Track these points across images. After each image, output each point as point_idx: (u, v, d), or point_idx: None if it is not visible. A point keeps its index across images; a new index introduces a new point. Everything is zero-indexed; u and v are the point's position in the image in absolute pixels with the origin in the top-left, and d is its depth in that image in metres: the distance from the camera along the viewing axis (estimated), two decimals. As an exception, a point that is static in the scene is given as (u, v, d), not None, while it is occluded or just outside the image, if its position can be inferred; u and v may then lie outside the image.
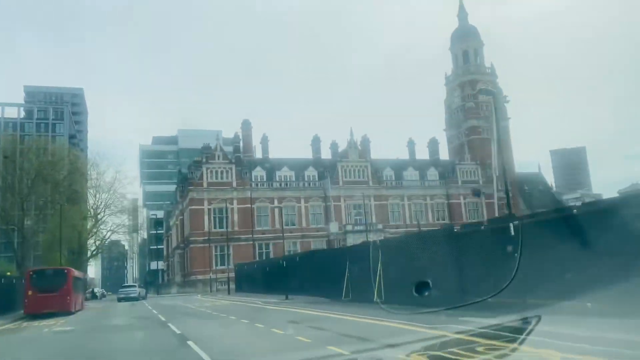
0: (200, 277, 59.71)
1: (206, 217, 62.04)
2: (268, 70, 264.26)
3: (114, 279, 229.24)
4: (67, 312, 26.76)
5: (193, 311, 24.08)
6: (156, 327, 16.20)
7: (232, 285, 58.52)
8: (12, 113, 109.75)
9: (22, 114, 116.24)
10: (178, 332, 13.84)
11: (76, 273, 30.91)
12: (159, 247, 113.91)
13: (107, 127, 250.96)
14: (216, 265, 60.66)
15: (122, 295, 46.09)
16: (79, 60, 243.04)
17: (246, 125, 70.94)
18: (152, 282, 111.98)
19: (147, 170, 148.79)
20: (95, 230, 60.51)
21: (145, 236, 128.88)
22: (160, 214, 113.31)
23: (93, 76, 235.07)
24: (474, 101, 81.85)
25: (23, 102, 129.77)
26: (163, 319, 18.95)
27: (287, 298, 25.31)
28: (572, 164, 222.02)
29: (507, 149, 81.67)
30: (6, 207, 49.57)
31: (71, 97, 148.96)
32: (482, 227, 16.42)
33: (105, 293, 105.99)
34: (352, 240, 61.21)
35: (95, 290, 67.19)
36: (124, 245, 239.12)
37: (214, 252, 61.40)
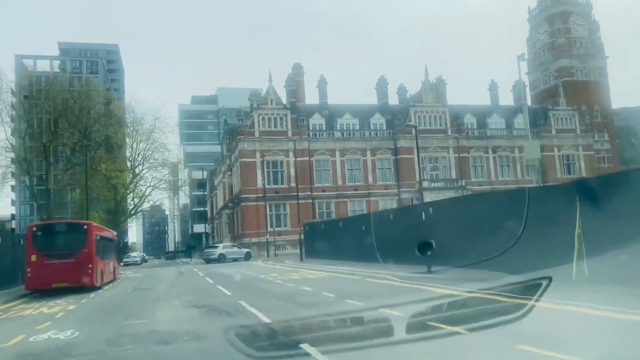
0: (254, 239, 51.16)
1: (258, 172, 53.02)
2: (317, 12, 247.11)
3: (155, 244, 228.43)
4: (88, 288, 18.05)
5: (289, 292, 14.26)
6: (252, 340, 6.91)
7: (290, 249, 49.93)
8: (44, 67, 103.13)
9: (56, 69, 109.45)
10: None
11: (103, 231, 22.17)
12: (202, 209, 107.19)
13: (144, 88, 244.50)
14: (270, 226, 51.96)
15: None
16: (113, 18, 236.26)
17: (297, 70, 60.17)
18: (195, 246, 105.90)
19: (186, 130, 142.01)
20: (133, 186, 52.50)
21: (187, 199, 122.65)
22: (201, 174, 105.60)
23: (128, 35, 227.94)
24: (566, 36, 69.09)
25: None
26: (252, 309, 9.80)
27: (429, 271, 15.61)
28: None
29: (605, 93, 69.16)
30: (29, 158, 41.60)
31: (106, 54, 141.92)
32: None
33: (147, 258, 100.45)
34: (429, 199, 51.25)
35: (135, 254, 59.92)
36: (164, 211, 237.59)
37: (268, 212, 52.60)
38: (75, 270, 17.80)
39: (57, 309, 13.02)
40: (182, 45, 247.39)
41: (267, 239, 47.38)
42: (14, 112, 42.56)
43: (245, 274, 23.53)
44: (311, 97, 59.78)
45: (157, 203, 53.84)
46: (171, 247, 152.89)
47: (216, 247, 44.78)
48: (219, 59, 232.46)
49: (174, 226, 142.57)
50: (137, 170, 52.74)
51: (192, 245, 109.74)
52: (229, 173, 61.30)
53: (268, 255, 46.73)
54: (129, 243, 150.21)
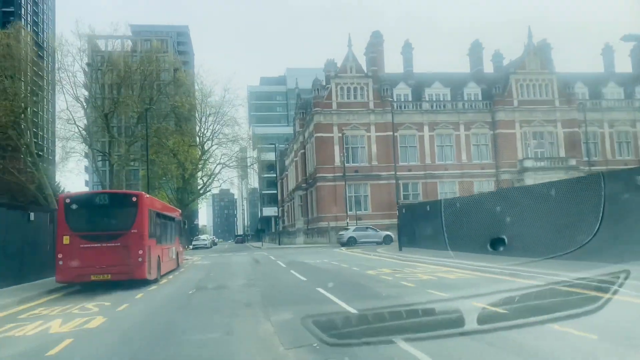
0: (332, 223, 45.78)
1: (336, 148, 47.39)
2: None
3: (224, 227, 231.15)
4: (139, 281, 13.12)
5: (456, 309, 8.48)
6: None
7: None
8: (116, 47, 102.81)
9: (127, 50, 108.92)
10: None
11: (160, 206, 17.23)
12: (271, 191, 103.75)
13: (214, 70, 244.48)
14: (349, 209, 46.40)
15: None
16: (183, 0, 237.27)
17: (377, 39, 53.13)
18: (264, 230, 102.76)
19: (255, 113, 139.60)
20: (201, 163, 48.55)
21: (256, 183, 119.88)
22: (270, 156, 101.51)
23: (198, 18, 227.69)
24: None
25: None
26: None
27: None
28: None
29: None
30: (91, 129, 38.21)
31: (176, 36, 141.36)
32: None
33: (216, 241, 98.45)
34: (532, 180, 43.69)
35: (204, 237, 56.47)
36: (233, 194, 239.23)
37: (347, 193, 47.01)
38: (119, 257, 12.95)
39: (72, 325, 7.92)
40: (251, 25, 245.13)
41: (347, 222, 41.78)
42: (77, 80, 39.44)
43: (340, 267, 18.01)
44: (392, 68, 53.21)
45: (226, 181, 49.42)
46: (240, 231, 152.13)
47: (347, 229, 38.91)
48: (289, 39, 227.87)
49: (243, 209, 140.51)
50: (205, 147, 48.71)
51: (262, 229, 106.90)
52: (302, 151, 56.18)
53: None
54: (200, 226, 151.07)
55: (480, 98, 50.98)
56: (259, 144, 59.84)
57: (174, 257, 19.49)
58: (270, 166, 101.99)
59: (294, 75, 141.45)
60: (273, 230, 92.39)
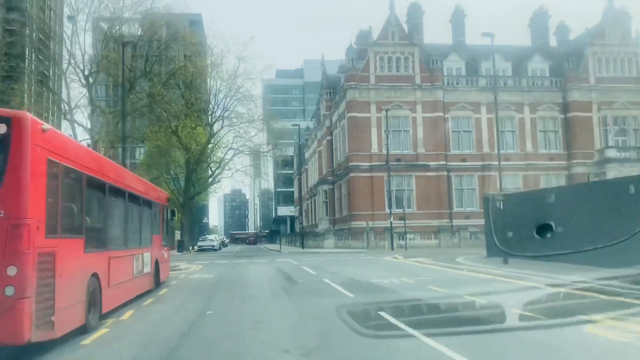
0: (364, 223, 37.09)
1: (373, 131, 38.71)
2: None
3: (235, 228, 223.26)
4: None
5: None
6: None
7: (420, 239, 35.31)
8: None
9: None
10: None
11: (86, 155, 8.00)
12: (287, 189, 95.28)
13: (225, 34, 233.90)
14: (389, 206, 37.70)
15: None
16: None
17: (415, 12, 43.98)
18: (278, 231, 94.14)
19: (270, 107, 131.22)
20: (210, 148, 40.13)
21: (269, 183, 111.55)
22: (287, 152, 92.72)
23: (212, 6, 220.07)
24: None
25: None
26: None
27: None
28: None
29: None
30: (69, 96, 29.89)
31: (189, 24, 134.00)
32: None
33: (227, 242, 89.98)
34: (614, 173, 34.94)
35: (212, 237, 47.97)
36: (245, 194, 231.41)
37: (386, 187, 38.29)
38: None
39: None
40: (267, 14, 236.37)
41: (391, 222, 32.97)
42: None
43: (424, 287, 9.53)
44: (434, 41, 44.07)
45: (239, 171, 40.51)
46: (251, 231, 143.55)
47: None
48: (307, 29, 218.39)
49: (255, 207, 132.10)
50: (215, 128, 40.32)
51: (276, 230, 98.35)
52: (329, 137, 47.50)
53: (393, 247, 32.48)
54: (210, 226, 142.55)
55: (547, 74, 41.98)
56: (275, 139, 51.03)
57: (147, 270, 10.92)
58: (285, 163, 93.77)
59: (312, 67, 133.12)
60: (288, 231, 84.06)
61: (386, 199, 38.04)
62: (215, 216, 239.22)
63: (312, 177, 57.65)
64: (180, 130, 33.85)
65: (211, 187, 45.53)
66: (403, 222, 33.30)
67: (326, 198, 47.75)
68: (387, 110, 36.60)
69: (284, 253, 33.49)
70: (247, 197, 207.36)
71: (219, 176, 41.30)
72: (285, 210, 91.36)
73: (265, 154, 43.06)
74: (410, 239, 35.36)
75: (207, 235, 48.63)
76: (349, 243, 35.63)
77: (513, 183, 39.88)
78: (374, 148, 38.54)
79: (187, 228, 39.74)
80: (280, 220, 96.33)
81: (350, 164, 38.75)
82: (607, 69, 41.08)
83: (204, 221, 74.51)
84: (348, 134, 39.71)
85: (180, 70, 33.42)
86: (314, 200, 55.58)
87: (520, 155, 40.02)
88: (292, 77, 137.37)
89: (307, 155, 65.78)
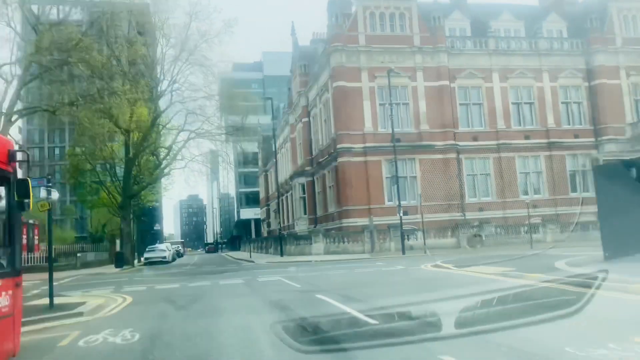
0: (359, 221, 29.12)
1: (366, 104, 30.74)
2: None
3: (192, 235, 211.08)
4: None
5: None
6: None
7: (432, 238, 27.60)
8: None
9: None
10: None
11: None
12: (250, 189, 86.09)
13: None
14: (395, 196, 29.95)
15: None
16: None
17: None
18: (241, 236, 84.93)
19: (228, 103, 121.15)
20: (154, 132, 31.11)
21: (230, 178, 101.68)
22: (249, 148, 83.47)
23: None
24: None
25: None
26: None
27: None
28: None
29: None
30: None
31: (137, 16, 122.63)
32: None
33: (182, 251, 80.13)
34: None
35: (163, 247, 38.62)
36: (202, 200, 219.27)
37: (385, 173, 30.45)
38: None
39: None
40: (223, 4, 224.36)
41: (400, 216, 24.92)
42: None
43: None
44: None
45: (194, 159, 31.47)
46: (210, 238, 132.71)
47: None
48: (265, 21, 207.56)
49: (214, 212, 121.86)
50: (162, 105, 31.43)
51: (238, 235, 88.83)
52: (306, 119, 39.28)
53: (404, 251, 24.53)
54: (166, 234, 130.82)
55: (565, 35, 35.23)
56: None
57: None
58: (247, 160, 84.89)
59: (272, 60, 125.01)
60: (253, 236, 75.14)
61: (385, 190, 30.23)
62: (170, 224, 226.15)
63: (283, 171, 49.18)
64: (113, 102, 24.75)
65: (160, 183, 36.37)
66: (404, 217, 25.52)
67: (304, 193, 39.41)
68: (374, 84, 28.55)
69: (260, 265, 24.88)
70: (205, 202, 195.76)
71: (170, 167, 32.24)
72: (249, 213, 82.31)
73: (227, 134, 34.23)
74: (415, 239, 27.66)
75: (157, 245, 39.20)
76: (344, 246, 27.39)
77: (534, 165, 32.97)
78: (368, 126, 30.58)
79: (128, 236, 30.53)
80: (243, 224, 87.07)
81: (338, 146, 30.59)
82: (634, 28, 34.73)
83: (155, 228, 64.53)
84: (334, 109, 31.57)
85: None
86: (286, 198, 47.12)
87: (541, 132, 33.03)
88: (251, 71, 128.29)
89: (279, 144, 57.17)
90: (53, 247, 12.74)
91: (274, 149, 39.32)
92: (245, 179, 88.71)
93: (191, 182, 60.37)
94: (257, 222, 77.73)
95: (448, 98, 31.65)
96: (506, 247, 25.21)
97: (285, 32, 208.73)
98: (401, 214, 25.02)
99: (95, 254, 34.07)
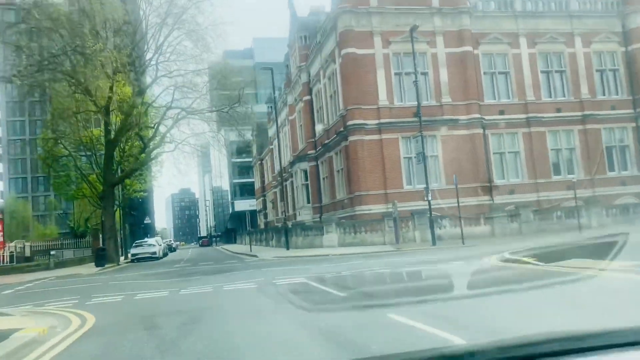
0: (374, 208, 25.44)
1: (380, 74, 26.89)
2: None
3: (185, 229, 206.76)
4: None
5: None
6: None
7: (450, 227, 23.91)
8: None
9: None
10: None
11: None
12: (245, 180, 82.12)
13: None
14: (407, 181, 26.30)
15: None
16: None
17: None
18: (236, 229, 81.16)
19: (220, 92, 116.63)
20: (138, 110, 27.05)
21: (223, 167, 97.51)
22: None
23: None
24: None
25: None
26: None
27: None
28: None
29: None
30: None
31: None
32: None
33: (175, 245, 76.37)
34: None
35: (153, 241, 34.65)
36: (194, 193, 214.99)
37: (402, 153, 26.70)
38: None
39: None
40: None
41: (429, 201, 21.18)
42: None
43: None
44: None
45: (184, 141, 27.60)
46: (204, 232, 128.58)
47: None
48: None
49: (207, 205, 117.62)
50: (148, 79, 27.39)
51: (233, 228, 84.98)
52: (308, 97, 35.40)
53: (435, 241, 20.81)
54: (158, 229, 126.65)
55: (598, -3, 31.55)
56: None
57: None
58: (241, 150, 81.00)
59: (264, 46, 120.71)
60: (248, 227, 71.25)
61: (403, 171, 26.51)
62: (162, 218, 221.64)
63: (283, 157, 45.21)
64: (88, 71, 20.73)
65: (150, 170, 32.41)
66: (426, 202, 21.78)
67: (306, 180, 35.62)
68: (389, 50, 24.64)
69: (266, 260, 21.05)
70: (197, 196, 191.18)
71: (158, 150, 28.23)
72: (244, 205, 78.22)
73: (220, 111, 30.28)
74: (444, 227, 24.04)
75: (145, 240, 35.11)
76: (361, 237, 23.62)
77: (567, 141, 29.36)
78: (382, 99, 26.76)
79: (112, 230, 26.57)
80: (238, 216, 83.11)
81: (348, 123, 26.73)
82: (674, -13, 31.07)
83: (145, 221, 60.52)
84: (343, 81, 27.69)
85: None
86: (286, 186, 43.22)
87: (574, 104, 29.40)
88: (241, 58, 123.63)
89: (271, 133, 53.41)
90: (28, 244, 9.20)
91: (275, 126, 35.48)
92: (239, 170, 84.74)
93: (182, 168, 56.24)
94: (253, 213, 73.91)
95: (472, 66, 27.88)
96: (551, 234, 21.67)
97: (278, 14, 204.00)
98: (429, 198, 21.32)
99: (74, 251, 30.13)
